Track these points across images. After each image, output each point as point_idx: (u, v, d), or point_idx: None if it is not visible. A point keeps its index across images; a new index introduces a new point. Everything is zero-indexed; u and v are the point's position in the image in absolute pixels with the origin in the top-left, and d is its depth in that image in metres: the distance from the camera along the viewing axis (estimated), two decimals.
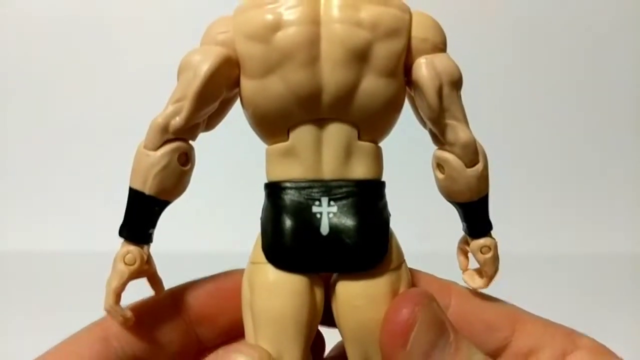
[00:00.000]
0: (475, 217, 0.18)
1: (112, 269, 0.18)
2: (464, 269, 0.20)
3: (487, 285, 0.19)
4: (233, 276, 0.21)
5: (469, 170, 0.17)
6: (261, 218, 0.18)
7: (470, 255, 0.20)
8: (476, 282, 0.20)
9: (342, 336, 0.18)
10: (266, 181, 0.18)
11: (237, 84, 0.17)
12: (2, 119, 0.73)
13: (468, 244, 0.19)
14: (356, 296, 0.17)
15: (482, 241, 0.19)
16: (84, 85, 0.73)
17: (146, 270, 0.19)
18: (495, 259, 0.19)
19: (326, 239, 0.16)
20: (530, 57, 0.74)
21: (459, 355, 0.17)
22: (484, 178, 0.18)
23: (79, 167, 0.73)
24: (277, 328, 0.17)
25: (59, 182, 0.73)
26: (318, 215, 0.17)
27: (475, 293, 0.20)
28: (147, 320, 0.20)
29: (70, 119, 0.73)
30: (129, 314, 0.18)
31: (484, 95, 0.73)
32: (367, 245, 0.16)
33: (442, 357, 0.16)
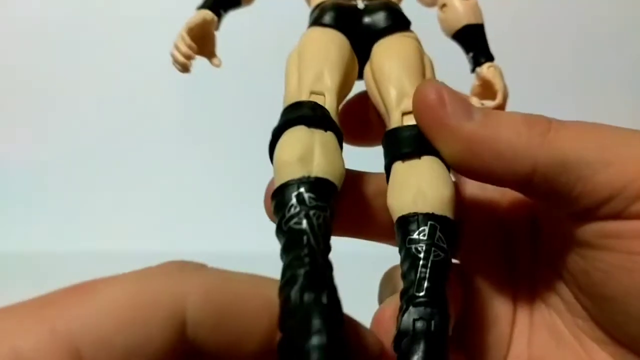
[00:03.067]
0: (477, 44, 0.21)
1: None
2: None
3: (502, 99, 0.20)
4: None
5: (466, 2, 0.21)
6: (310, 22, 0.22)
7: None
8: (490, 103, 0.20)
9: (380, 80, 0.20)
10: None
11: None
12: (3, 118, 0.73)
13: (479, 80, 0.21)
14: (388, 43, 0.21)
15: (487, 64, 0.21)
16: (87, 82, 0.73)
17: (210, 29, 0.22)
18: (502, 75, 0.20)
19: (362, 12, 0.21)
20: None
21: (496, 111, 0.19)
22: (477, 8, 0.21)
23: (84, 166, 0.73)
24: (322, 55, 0.20)
25: (63, 182, 0.73)
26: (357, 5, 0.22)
27: None
28: None
29: (69, 117, 0.73)
30: (193, 56, 0.20)
31: None
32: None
33: (479, 113, 0.18)
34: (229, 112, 0.74)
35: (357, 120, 0.22)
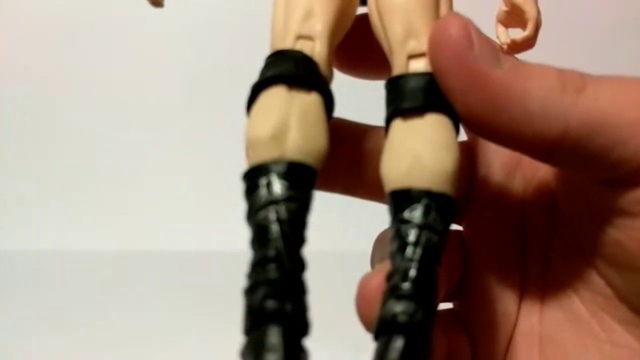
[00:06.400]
0: None
1: None
2: (504, 41, 0.18)
3: (533, 30, 0.17)
4: None
5: None
6: None
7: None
8: (518, 35, 0.17)
9: (384, 11, 0.16)
10: None
11: None
12: (8, 119, 0.73)
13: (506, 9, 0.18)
14: None
15: None
16: (87, 82, 0.73)
17: None
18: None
19: None
20: None
21: (526, 62, 0.16)
22: None
23: (83, 166, 0.73)
24: None
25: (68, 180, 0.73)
26: None
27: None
28: None
29: (69, 117, 0.73)
30: None
31: None
32: None
33: (508, 61, 0.15)
34: (232, 111, 0.73)
35: (357, 46, 0.18)
